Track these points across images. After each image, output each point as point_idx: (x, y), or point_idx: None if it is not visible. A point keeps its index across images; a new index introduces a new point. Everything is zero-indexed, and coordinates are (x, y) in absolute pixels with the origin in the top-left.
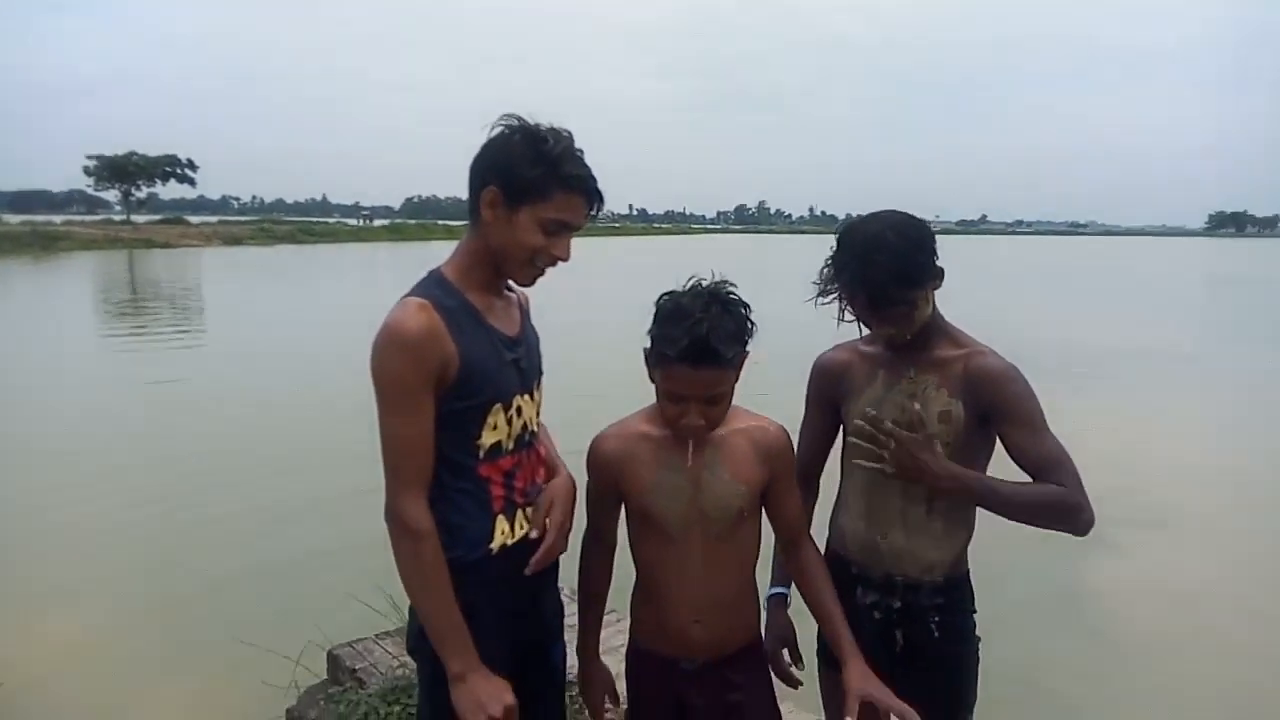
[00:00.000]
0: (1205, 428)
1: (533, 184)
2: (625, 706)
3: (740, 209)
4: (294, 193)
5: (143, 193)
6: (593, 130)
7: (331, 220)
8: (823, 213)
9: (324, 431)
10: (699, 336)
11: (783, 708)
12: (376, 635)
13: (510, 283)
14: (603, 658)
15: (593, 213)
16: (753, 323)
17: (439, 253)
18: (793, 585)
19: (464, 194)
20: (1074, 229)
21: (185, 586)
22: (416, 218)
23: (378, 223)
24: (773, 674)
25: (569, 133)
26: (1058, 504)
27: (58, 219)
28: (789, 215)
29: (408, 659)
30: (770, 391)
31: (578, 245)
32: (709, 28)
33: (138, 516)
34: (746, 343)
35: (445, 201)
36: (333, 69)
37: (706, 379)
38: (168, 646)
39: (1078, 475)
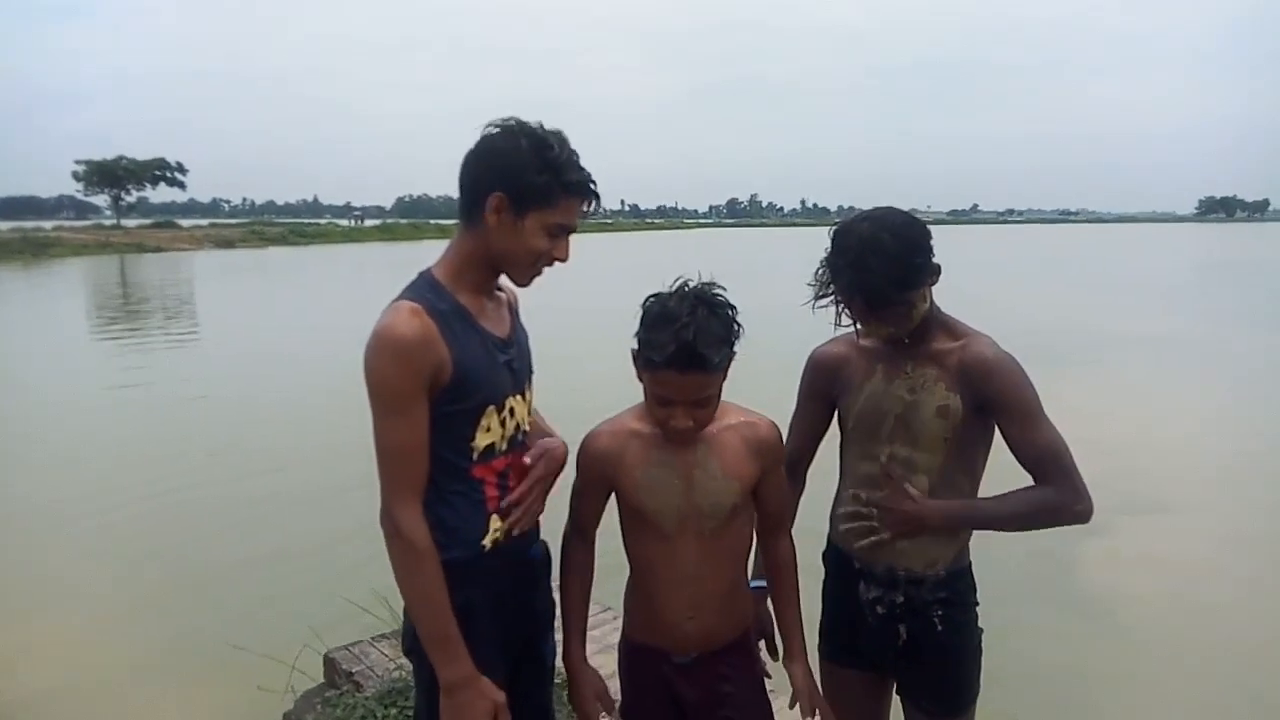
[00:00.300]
0: (1201, 411)
1: (541, 191)
2: (619, 704)
3: (732, 203)
4: (285, 194)
5: (132, 197)
6: (584, 126)
7: (323, 221)
8: (815, 205)
9: (317, 433)
10: (685, 342)
11: (781, 699)
12: (373, 638)
13: (500, 283)
14: (598, 655)
15: (589, 211)
16: (739, 325)
17: (431, 252)
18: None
19: (455, 192)
20: (1064, 216)
21: (178, 590)
22: (409, 217)
23: (369, 223)
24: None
25: (564, 135)
26: (1047, 508)
27: (48, 225)
28: (781, 208)
29: (404, 661)
30: (758, 379)
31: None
32: (698, 20)
33: (128, 520)
34: (733, 345)
35: (437, 200)
36: (322, 69)
37: (694, 383)
38: (161, 651)
39: (1073, 465)
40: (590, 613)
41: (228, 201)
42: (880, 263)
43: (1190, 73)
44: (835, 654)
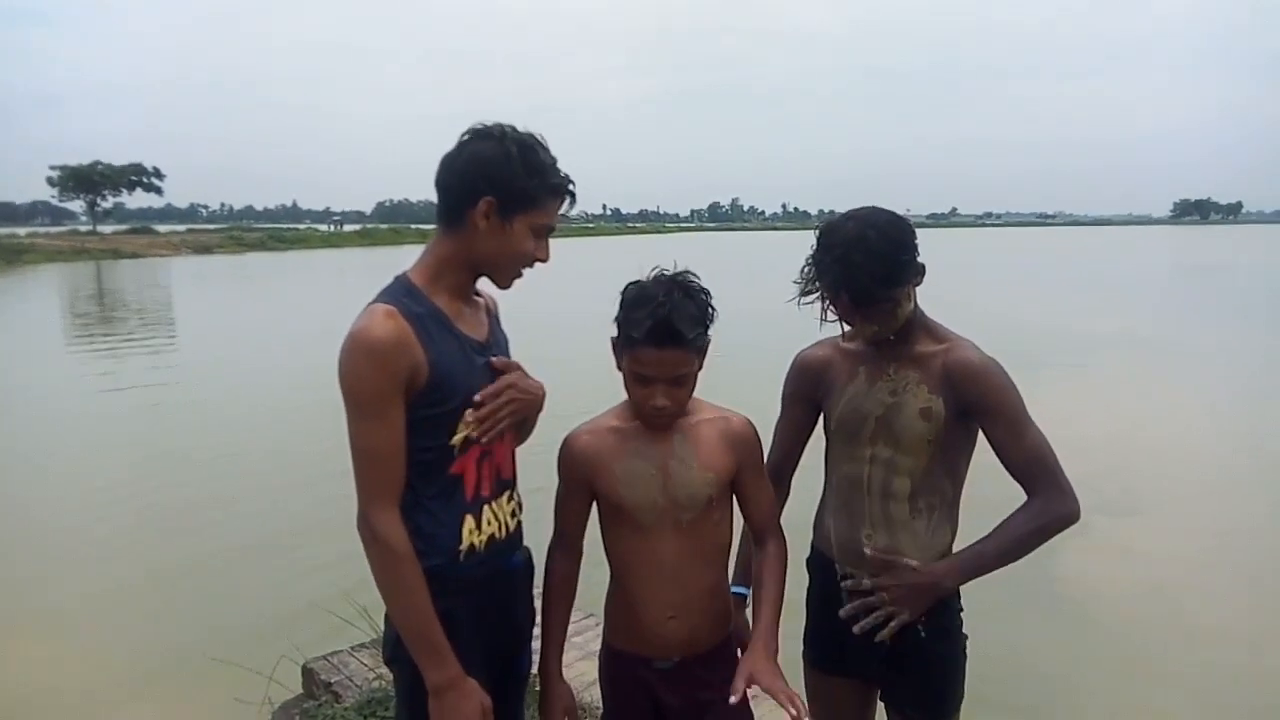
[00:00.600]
0: (1181, 411)
1: (529, 194)
2: (601, 713)
3: (714, 207)
4: (264, 199)
5: (109, 203)
6: (565, 130)
7: (302, 226)
8: (795, 209)
9: (296, 441)
10: (662, 318)
11: (764, 705)
12: (352, 647)
13: (478, 287)
14: (580, 662)
15: (567, 211)
16: (713, 308)
17: (412, 256)
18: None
19: (435, 196)
20: (1042, 220)
21: (153, 602)
22: (389, 221)
23: (349, 228)
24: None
25: (543, 137)
26: (1045, 524)
27: (21, 231)
28: (762, 212)
29: (384, 670)
30: (742, 381)
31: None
32: (676, 24)
33: (101, 530)
34: (708, 327)
35: (417, 204)
36: (300, 74)
37: (671, 359)
38: (136, 664)
39: (1059, 467)
40: (573, 619)
41: (206, 207)
42: (866, 259)
43: (1166, 78)
44: (820, 661)
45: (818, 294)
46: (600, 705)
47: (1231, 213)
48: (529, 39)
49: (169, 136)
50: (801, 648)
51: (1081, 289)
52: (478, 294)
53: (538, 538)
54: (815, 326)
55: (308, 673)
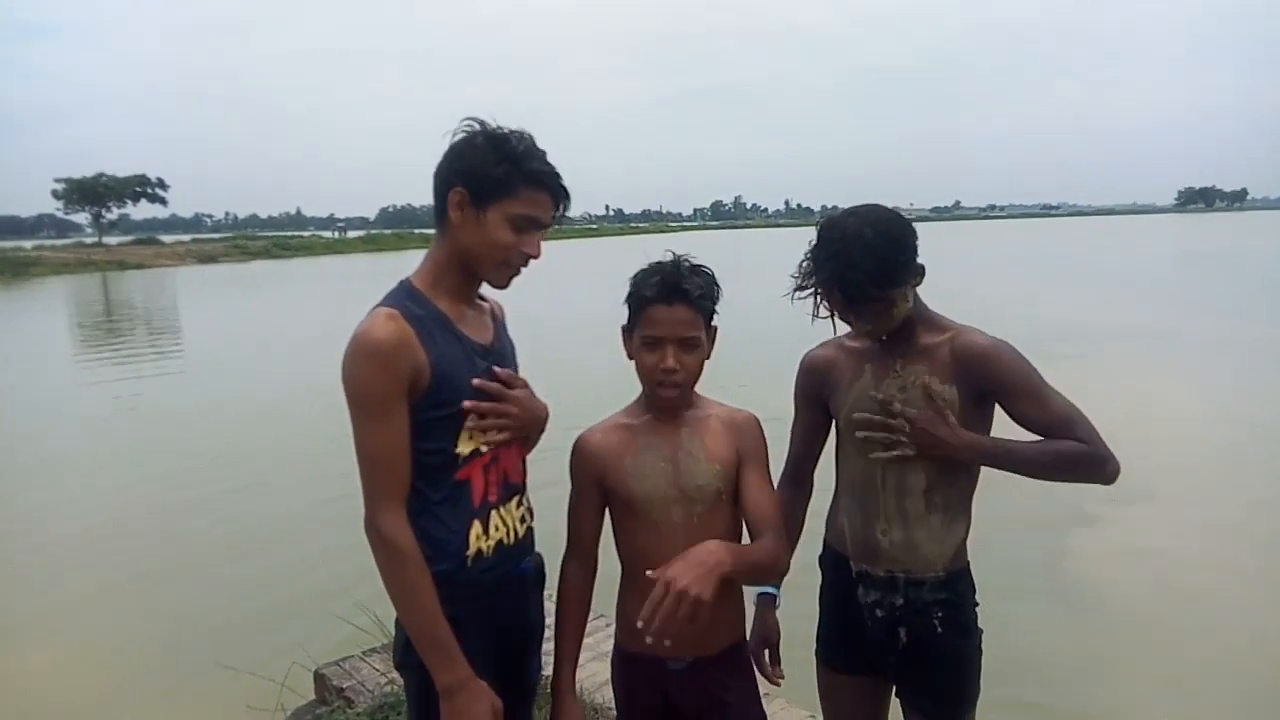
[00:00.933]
0: (1189, 400)
1: (498, 181)
2: (615, 715)
3: (717, 205)
4: (268, 208)
5: (114, 214)
6: (567, 132)
7: (306, 234)
8: (799, 205)
9: (304, 447)
10: (670, 275)
11: (776, 704)
12: (363, 652)
13: (484, 293)
14: (591, 663)
15: (559, 211)
16: (718, 286)
17: (416, 262)
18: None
19: None
20: (1046, 211)
21: (165, 609)
22: (393, 227)
23: (353, 234)
24: (756, 672)
25: (529, 134)
26: (1081, 458)
27: (28, 244)
28: (765, 209)
29: (396, 675)
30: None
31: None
32: (676, 24)
33: (111, 540)
34: (715, 299)
35: (421, 210)
36: (302, 83)
37: (680, 317)
38: (148, 672)
39: (1093, 427)
40: None
41: (210, 216)
42: (861, 258)
43: (1169, 67)
44: (833, 658)
45: (813, 290)
46: (612, 706)
47: (1237, 200)
48: (529, 42)
49: (172, 147)
50: (815, 646)
51: (1083, 280)
52: (483, 298)
53: (551, 546)
54: (823, 324)
55: (320, 679)
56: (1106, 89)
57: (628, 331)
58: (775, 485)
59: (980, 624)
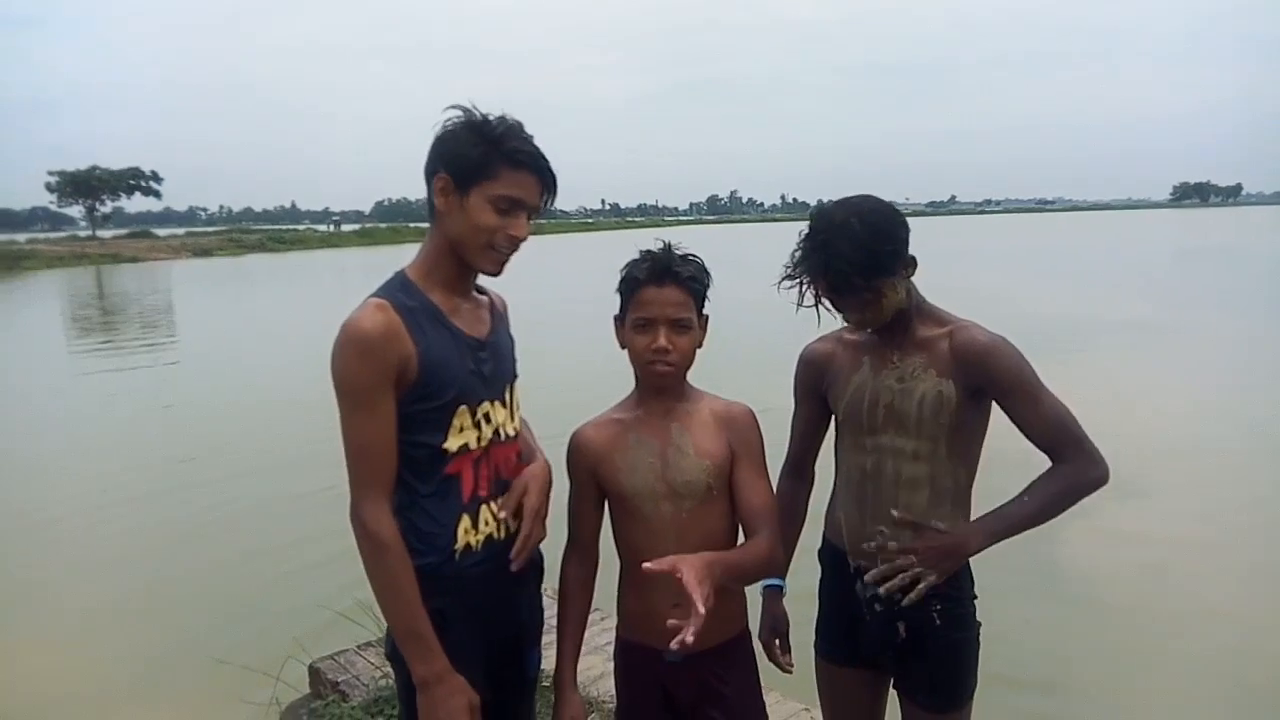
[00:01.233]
0: (1184, 394)
1: (479, 163)
2: (615, 705)
3: (713, 199)
4: (262, 201)
5: (107, 207)
6: (562, 127)
7: (301, 227)
8: (794, 200)
9: (297, 440)
10: (661, 257)
11: (771, 696)
12: (358, 646)
13: (486, 286)
14: (587, 656)
15: (547, 196)
16: (708, 273)
17: (410, 255)
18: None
19: None
20: (1041, 206)
21: (158, 604)
22: (388, 220)
23: (347, 228)
24: (767, 660)
25: (515, 119)
26: (1072, 488)
27: (21, 238)
28: (761, 204)
29: (390, 669)
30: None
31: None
32: (671, 19)
33: (106, 533)
34: (706, 284)
35: (416, 204)
36: (296, 76)
37: (671, 298)
38: (142, 666)
39: (1082, 432)
40: None
41: (204, 210)
42: (846, 247)
43: (1163, 62)
44: (832, 652)
45: (799, 279)
46: (608, 698)
47: (1231, 195)
48: (522, 36)
49: (166, 140)
50: (814, 638)
51: (1078, 274)
52: (482, 291)
53: (550, 540)
54: (824, 318)
55: (314, 672)
56: (1102, 84)
57: (620, 320)
58: (776, 478)
59: (978, 617)
